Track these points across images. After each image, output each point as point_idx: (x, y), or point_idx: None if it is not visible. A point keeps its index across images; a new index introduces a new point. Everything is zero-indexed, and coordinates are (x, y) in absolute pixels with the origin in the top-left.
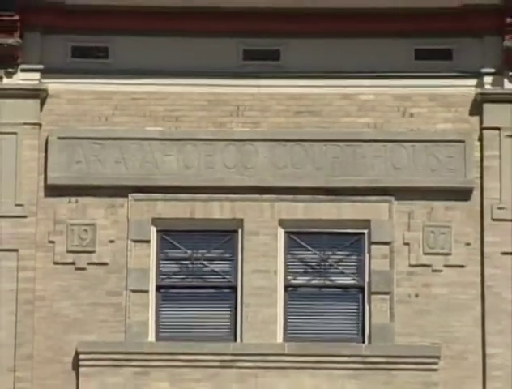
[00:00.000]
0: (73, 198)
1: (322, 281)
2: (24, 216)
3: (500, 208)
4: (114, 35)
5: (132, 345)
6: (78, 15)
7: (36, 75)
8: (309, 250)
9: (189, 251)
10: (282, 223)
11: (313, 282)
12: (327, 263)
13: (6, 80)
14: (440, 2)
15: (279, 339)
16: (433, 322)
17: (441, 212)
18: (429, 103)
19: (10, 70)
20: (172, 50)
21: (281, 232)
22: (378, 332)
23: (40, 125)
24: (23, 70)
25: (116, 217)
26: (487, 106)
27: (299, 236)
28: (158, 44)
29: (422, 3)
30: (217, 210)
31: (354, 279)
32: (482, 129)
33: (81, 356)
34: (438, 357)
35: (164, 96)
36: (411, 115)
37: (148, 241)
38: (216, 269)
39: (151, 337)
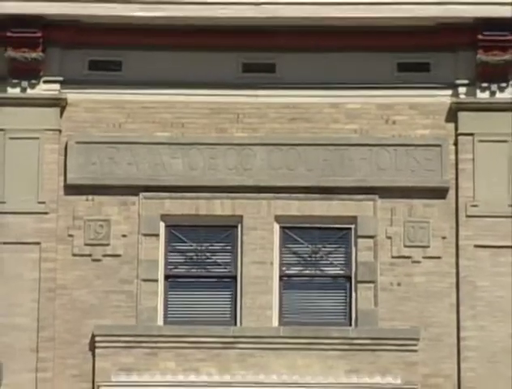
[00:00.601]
0: (89, 197)
1: (313, 271)
2: (46, 213)
3: (473, 206)
4: (127, 50)
5: (142, 329)
6: (95, 32)
7: (57, 86)
8: (302, 243)
9: (194, 244)
10: (277, 219)
11: (306, 272)
12: (318, 255)
13: (29, 91)
14: (419, 20)
15: (275, 323)
16: (412, 307)
17: (420, 209)
18: (410, 111)
19: (33, 81)
20: (178, 63)
21: (277, 227)
22: (364, 317)
23: (60, 131)
24: (45, 82)
25: (128, 213)
26: (461, 114)
27: (293, 230)
28: (166, 58)
29: (403, 21)
30: (219, 207)
31: (342, 270)
32: (457, 134)
33: (97, 339)
34: (418, 339)
35: (172, 104)
36: (394, 122)
37: (157, 235)
38: (218, 260)
39: (160, 321)
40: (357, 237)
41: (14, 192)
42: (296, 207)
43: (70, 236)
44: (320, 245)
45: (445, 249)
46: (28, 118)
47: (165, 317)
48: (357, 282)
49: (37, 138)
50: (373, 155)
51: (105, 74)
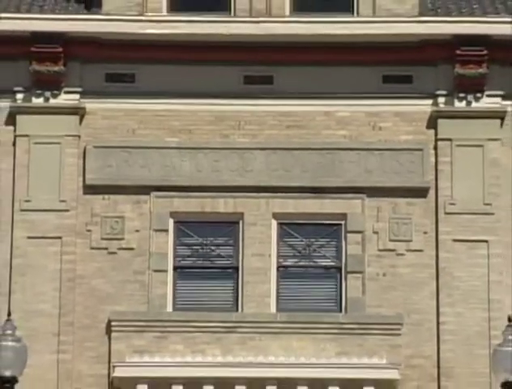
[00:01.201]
0: (106, 196)
1: (307, 263)
2: (67, 210)
3: (451, 204)
4: (140, 64)
5: (154, 314)
6: (110, 48)
7: (76, 96)
8: (297, 238)
9: (199, 238)
10: (275, 216)
11: (300, 263)
12: (311, 248)
13: (52, 100)
14: (402, 37)
15: (273, 309)
16: (397, 296)
17: (403, 207)
18: (394, 118)
19: (55, 92)
20: (186, 76)
21: (274, 223)
22: (352, 304)
23: (79, 136)
24: (66, 92)
25: (140, 211)
26: (440, 121)
27: (289, 226)
28: (175, 71)
29: (388, 38)
30: (222, 205)
31: (333, 261)
32: (436, 140)
33: (113, 324)
34: (401, 324)
35: (180, 113)
36: (380, 128)
37: (167, 231)
38: (222, 253)
39: (169, 308)
40: (347, 232)
41: (37, 192)
42: (292, 205)
43: (88, 231)
44: (313, 239)
45: (426, 243)
46: (51, 125)
47: (174, 304)
48: (347, 272)
49: (59, 143)
50: (361, 158)
51: (120, 85)
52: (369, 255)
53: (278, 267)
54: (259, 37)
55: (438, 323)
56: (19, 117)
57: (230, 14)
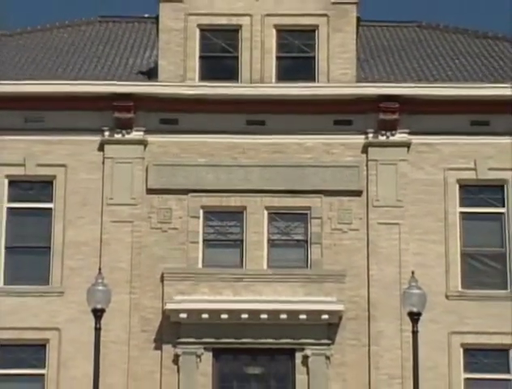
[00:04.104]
0: (160, 195)
1: (286, 237)
2: (136, 204)
3: (376, 200)
4: (181, 112)
5: (190, 269)
6: (163, 102)
7: (142, 133)
8: (280, 221)
9: (219, 222)
10: (266, 208)
11: (282, 238)
12: (289, 228)
13: (126, 136)
14: (345, 96)
15: (265, 267)
16: (343, 258)
17: (346, 202)
18: (341, 147)
19: (128, 130)
20: (210, 120)
21: (265, 212)
22: (315, 263)
23: (143, 158)
24: (135, 131)
25: (182, 205)
26: (370, 149)
27: (275, 214)
28: (203, 117)
29: (337, 96)
30: (233, 201)
31: (302, 236)
32: (367, 160)
33: (165, 275)
34: (345, 276)
35: (206, 143)
36: (332, 154)
37: (198, 217)
38: (232, 231)
39: (200, 265)
40: (311, 218)
41: (117, 193)
42: (276, 201)
43: (149, 217)
44: (290, 223)
45: (361, 225)
46: (126, 151)
47: (203, 263)
48: (311, 243)
49: (131, 162)
50: (320, 172)
51: (169, 126)
52: (325, 233)
53: (268, 240)
54: (256, 96)
55: (368, 275)
56: (106, 146)
57: (238, 81)
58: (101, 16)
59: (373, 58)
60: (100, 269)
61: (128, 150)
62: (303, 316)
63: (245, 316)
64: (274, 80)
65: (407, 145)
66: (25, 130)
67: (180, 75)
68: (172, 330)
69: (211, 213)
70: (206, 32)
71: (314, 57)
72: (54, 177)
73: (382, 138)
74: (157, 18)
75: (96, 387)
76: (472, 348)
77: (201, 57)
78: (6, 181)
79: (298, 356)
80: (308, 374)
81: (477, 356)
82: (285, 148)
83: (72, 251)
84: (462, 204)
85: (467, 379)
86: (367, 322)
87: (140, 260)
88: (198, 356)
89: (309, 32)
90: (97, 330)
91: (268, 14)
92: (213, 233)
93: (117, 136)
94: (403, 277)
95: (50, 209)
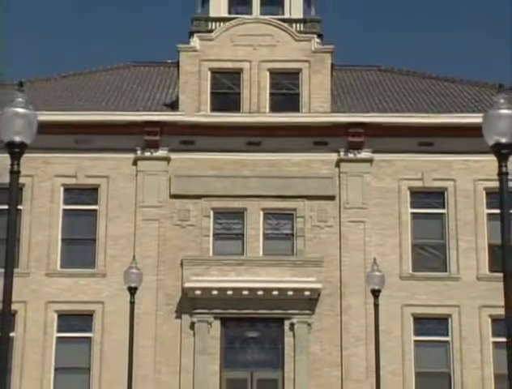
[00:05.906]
0: (180, 199)
1: (277, 232)
2: (161, 206)
3: (347, 203)
4: (197, 135)
5: (203, 255)
6: (183, 128)
7: (166, 152)
8: (272, 219)
9: (226, 220)
10: (262, 209)
11: (274, 232)
12: (279, 225)
13: (154, 153)
14: (323, 123)
15: (260, 253)
16: (320, 247)
17: (323, 205)
18: (319, 163)
19: (156, 149)
20: (219, 142)
21: (261, 213)
22: (300, 251)
23: (167, 171)
24: (161, 150)
25: (197, 207)
26: (342, 164)
27: (269, 214)
28: (214, 140)
29: (316, 123)
30: (236, 204)
31: (290, 231)
32: (340, 173)
33: (184, 261)
34: (322, 261)
35: (216, 160)
36: (313, 167)
37: (209, 216)
38: (236, 227)
39: (211, 253)
40: (296, 217)
41: (147, 197)
42: (269, 204)
43: (172, 216)
44: (280, 220)
45: (335, 222)
46: (154, 166)
47: (213, 252)
48: (297, 236)
49: (157, 174)
50: (303, 182)
51: (187, 146)
52: (307, 228)
53: (263, 234)
54: (254, 123)
55: (340, 261)
56: (138, 162)
57: (240, 111)
58: (134, 61)
59: (344, 94)
60: (134, 256)
61: (155, 165)
62: (290, 292)
63: (245, 292)
64: (268, 111)
65: (371, 161)
66: (76, 149)
67: (196, 107)
68: (189, 303)
69: (219, 213)
70: (216, 73)
71: (299, 94)
72: (99, 185)
73: (351, 156)
74: (178, 63)
75: (131, 348)
76: (420, 317)
77: (212, 93)
78: (62, 189)
79: (286, 323)
80: (294, 337)
81: (424, 324)
82: (277, 163)
83: (112, 242)
84: (412, 206)
85: (416, 341)
86: (339, 297)
87: (165, 250)
88: (209, 324)
89: (295, 74)
90: (132, 303)
91: (263, 61)
92: (221, 229)
93: (147, 154)
94: (367, 263)
95: (96, 210)
